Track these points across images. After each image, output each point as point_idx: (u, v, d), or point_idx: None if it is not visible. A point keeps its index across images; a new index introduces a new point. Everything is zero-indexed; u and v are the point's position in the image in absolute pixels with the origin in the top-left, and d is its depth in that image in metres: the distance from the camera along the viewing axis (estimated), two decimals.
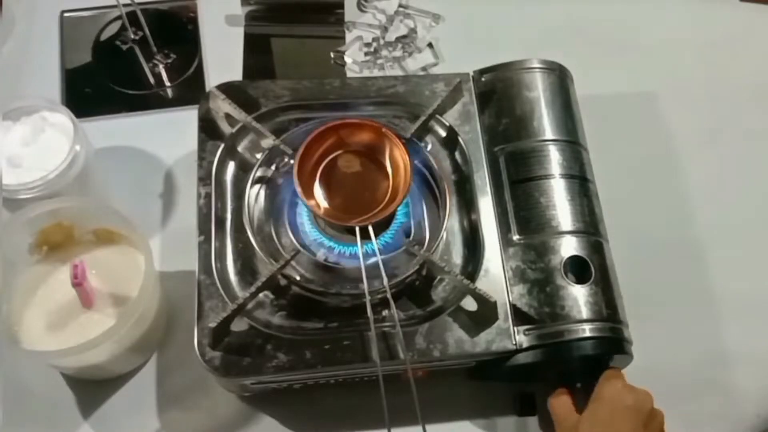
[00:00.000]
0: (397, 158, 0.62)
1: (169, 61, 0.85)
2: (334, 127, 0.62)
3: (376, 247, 0.59)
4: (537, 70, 0.71)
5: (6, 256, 0.58)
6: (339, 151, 0.63)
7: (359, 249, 0.59)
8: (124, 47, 0.85)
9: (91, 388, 0.67)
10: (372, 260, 0.60)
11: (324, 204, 0.61)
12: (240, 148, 0.67)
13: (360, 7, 0.91)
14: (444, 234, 0.64)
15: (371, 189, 0.62)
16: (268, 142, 0.65)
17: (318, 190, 0.62)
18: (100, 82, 0.83)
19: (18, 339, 0.60)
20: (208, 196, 0.64)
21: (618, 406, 0.57)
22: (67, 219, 0.62)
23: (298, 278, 0.61)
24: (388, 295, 0.58)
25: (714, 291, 0.77)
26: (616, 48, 0.90)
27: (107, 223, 0.64)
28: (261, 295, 0.61)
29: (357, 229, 0.59)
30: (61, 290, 0.62)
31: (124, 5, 0.81)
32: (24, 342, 0.61)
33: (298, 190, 0.59)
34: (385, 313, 0.61)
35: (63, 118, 0.68)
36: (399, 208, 0.62)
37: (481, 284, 0.62)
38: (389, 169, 0.63)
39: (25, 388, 0.67)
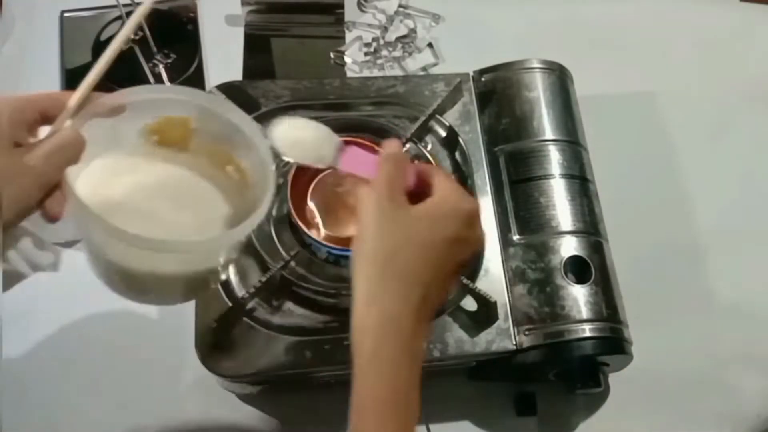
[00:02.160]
0: None
1: (169, 61, 0.85)
2: None
3: None
4: (537, 70, 0.71)
5: (114, 132, 0.50)
6: (329, 170, 0.64)
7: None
8: (125, 47, 0.85)
9: (90, 387, 0.67)
10: None
11: (317, 219, 0.62)
12: None
13: (360, 7, 0.91)
14: None
15: None
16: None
17: (312, 207, 0.63)
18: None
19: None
20: None
21: (456, 208, 0.47)
22: (192, 120, 0.52)
23: (298, 278, 0.61)
24: None
25: (714, 291, 0.77)
26: (616, 48, 0.90)
27: (234, 151, 0.52)
28: (261, 294, 0.61)
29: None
30: (150, 183, 0.51)
31: (124, 5, 0.81)
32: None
33: (294, 217, 0.60)
34: None
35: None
36: None
37: (481, 284, 0.62)
38: None
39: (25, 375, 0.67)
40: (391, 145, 0.48)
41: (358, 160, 0.50)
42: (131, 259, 0.47)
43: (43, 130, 0.44)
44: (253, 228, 0.46)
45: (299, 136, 0.50)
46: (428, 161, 0.67)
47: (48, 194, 0.43)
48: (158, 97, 0.49)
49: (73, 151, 0.44)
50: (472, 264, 0.48)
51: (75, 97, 0.45)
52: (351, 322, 0.44)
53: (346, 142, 0.50)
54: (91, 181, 0.48)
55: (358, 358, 0.43)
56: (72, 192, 0.43)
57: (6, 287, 0.53)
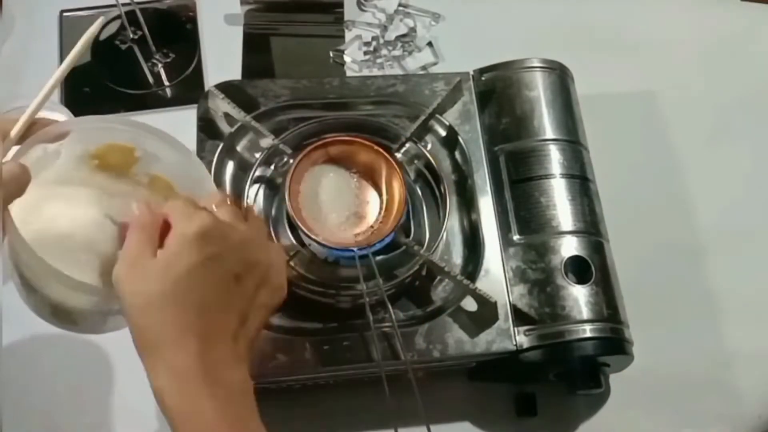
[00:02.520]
0: (390, 176, 0.63)
1: (168, 60, 0.85)
2: (322, 145, 0.63)
3: (373, 263, 0.59)
4: (537, 69, 0.71)
5: (49, 155, 0.48)
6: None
7: (356, 253, 0.59)
8: (123, 47, 0.85)
9: (89, 387, 0.67)
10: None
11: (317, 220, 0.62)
12: (239, 148, 0.67)
13: (359, 6, 0.91)
14: (444, 234, 0.64)
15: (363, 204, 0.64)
16: (267, 141, 0.65)
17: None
18: (99, 81, 0.83)
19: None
20: None
21: (181, 236, 0.44)
22: (137, 149, 0.52)
23: (297, 278, 0.61)
24: (384, 297, 0.58)
25: (715, 291, 0.76)
26: (616, 48, 0.89)
27: (176, 178, 0.53)
28: None
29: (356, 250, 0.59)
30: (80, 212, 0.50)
31: (123, 5, 0.81)
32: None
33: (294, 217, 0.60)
34: (384, 313, 0.61)
35: (62, 117, 0.68)
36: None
37: (481, 284, 0.61)
38: (383, 187, 0.64)
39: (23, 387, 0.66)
40: (135, 215, 0.46)
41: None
42: (66, 297, 0.48)
43: None
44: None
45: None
46: (428, 161, 0.67)
47: None
48: (104, 126, 0.50)
49: (18, 186, 0.42)
50: (253, 261, 0.47)
51: (17, 127, 0.44)
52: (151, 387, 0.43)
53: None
54: (24, 207, 0.46)
55: (171, 422, 0.42)
56: (13, 229, 0.42)
57: None
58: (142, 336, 0.43)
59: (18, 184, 0.42)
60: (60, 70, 0.47)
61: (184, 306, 0.43)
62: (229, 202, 0.50)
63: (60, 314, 0.50)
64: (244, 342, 0.45)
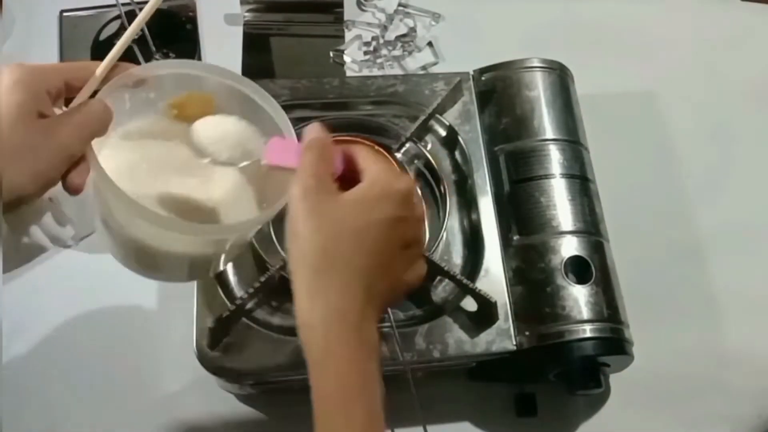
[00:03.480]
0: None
1: None
2: None
3: None
4: (537, 69, 0.71)
5: (131, 105, 0.48)
6: None
7: None
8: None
9: (89, 387, 0.67)
10: None
11: None
12: None
13: (359, 6, 0.90)
14: (444, 234, 0.64)
15: None
16: None
17: None
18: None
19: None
20: None
21: (389, 189, 0.44)
22: (215, 97, 0.51)
23: None
24: None
25: (714, 291, 0.76)
26: (616, 48, 0.89)
27: (257, 120, 0.51)
28: (260, 295, 0.60)
29: None
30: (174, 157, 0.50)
31: (123, 5, 0.80)
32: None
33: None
34: (384, 313, 0.61)
35: None
36: None
37: (481, 284, 0.61)
38: None
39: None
40: (312, 131, 0.46)
41: (283, 152, 0.47)
42: (152, 238, 0.47)
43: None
44: (278, 210, 0.45)
45: (223, 132, 0.48)
46: (428, 161, 0.67)
47: (72, 167, 0.42)
48: (184, 72, 0.48)
49: (101, 124, 0.43)
50: (421, 241, 0.46)
51: (102, 67, 0.44)
52: (296, 321, 0.42)
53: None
54: (110, 154, 0.47)
55: (311, 355, 0.42)
56: (97, 167, 0.42)
57: (27, 260, 0.52)
58: (319, 259, 0.42)
59: (101, 122, 0.43)
60: (147, 8, 0.48)
61: (367, 252, 0.43)
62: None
63: (144, 259, 0.50)
64: (383, 309, 0.45)
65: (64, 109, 0.43)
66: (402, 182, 0.45)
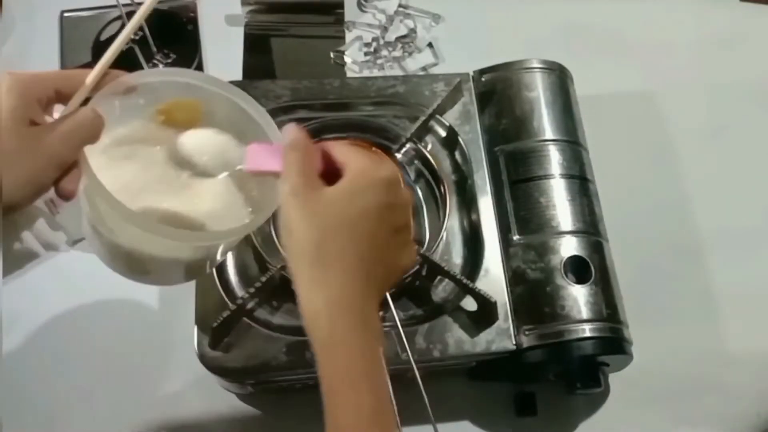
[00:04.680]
0: None
1: (169, 61, 0.85)
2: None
3: None
4: (537, 70, 0.71)
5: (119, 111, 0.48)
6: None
7: None
8: (124, 47, 0.85)
9: (89, 386, 0.67)
10: None
11: None
12: None
13: (360, 7, 0.91)
14: (444, 234, 0.64)
15: None
16: None
17: None
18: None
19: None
20: None
21: (372, 177, 0.45)
22: (203, 103, 0.52)
23: None
24: (388, 298, 0.58)
25: (714, 291, 0.77)
26: (616, 48, 0.90)
27: (244, 138, 0.51)
28: (261, 294, 0.61)
29: None
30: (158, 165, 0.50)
31: (124, 5, 0.81)
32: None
33: None
34: (385, 313, 0.61)
35: None
36: None
37: (481, 284, 0.62)
38: None
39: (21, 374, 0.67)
40: (291, 132, 0.46)
41: (263, 157, 0.47)
42: (142, 244, 0.48)
43: (58, 109, 0.44)
44: (270, 214, 0.46)
45: (203, 144, 0.50)
46: (428, 161, 0.67)
47: (64, 173, 0.42)
48: (172, 80, 0.49)
49: (91, 132, 0.43)
50: (410, 224, 0.47)
51: (92, 75, 0.44)
52: (301, 311, 0.43)
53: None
54: (102, 163, 0.47)
55: (318, 342, 0.43)
56: (90, 173, 0.43)
57: (19, 267, 0.53)
58: (316, 252, 0.43)
59: (91, 130, 0.43)
60: (138, 13, 0.47)
61: (361, 241, 0.44)
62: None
63: (133, 263, 0.50)
64: (382, 295, 0.46)
65: (56, 116, 0.44)
66: (385, 169, 0.46)
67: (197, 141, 0.50)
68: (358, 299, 0.43)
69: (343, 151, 0.46)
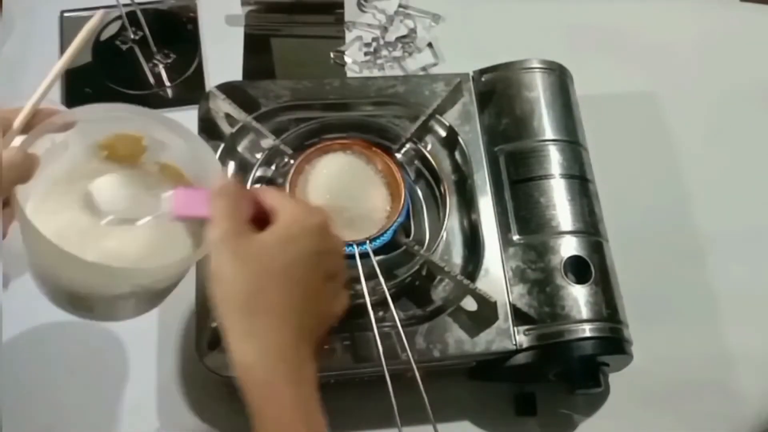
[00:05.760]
0: (389, 173, 0.63)
1: (169, 61, 0.85)
2: (322, 147, 0.63)
3: (374, 262, 0.59)
4: (537, 70, 0.71)
5: (59, 146, 0.48)
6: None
7: (355, 251, 0.59)
8: (124, 47, 0.85)
9: (88, 387, 0.67)
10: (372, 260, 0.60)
11: None
12: (240, 148, 0.67)
13: (360, 7, 0.91)
14: (444, 234, 0.64)
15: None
16: (268, 142, 0.65)
17: None
18: (100, 82, 0.83)
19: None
20: None
21: (305, 224, 0.45)
22: (145, 137, 0.51)
23: None
24: (387, 297, 0.58)
25: (714, 290, 0.76)
26: (616, 48, 0.90)
27: (185, 164, 0.51)
28: None
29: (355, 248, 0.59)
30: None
31: (124, 5, 0.81)
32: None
33: None
34: (384, 313, 0.61)
35: None
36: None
37: (481, 284, 0.62)
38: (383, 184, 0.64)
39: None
40: (220, 177, 0.47)
41: (191, 202, 0.46)
42: (80, 282, 0.47)
43: None
44: (204, 254, 0.45)
45: (115, 196, 0.48)
46: (428, 161, 0.67)
47: None
48: (110, 115, 0.49)
49: (24, 171, 0.42)
50: (343, 271, 0.47)
51: (21, 117, 0.44)
52: (232, 362, 0.42)
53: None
54: (37, 198, 0.46)
55: (251, 393, 0.42)
56: (22, 213, 0.42)
57: None
58: (246, 301, 0.42)
59: (19, 171, 0.42)
60: (62, 61, 0.46)
61: (293, 289, 0.43)
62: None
63: (75, 301, 0.49)
64: (315, 344, 0.45)
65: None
66: (316, 216, 0.45)
67: (108, 192, 0.49)
68: (291, 349, 0.42)
69: (273, 197, 0.46)
